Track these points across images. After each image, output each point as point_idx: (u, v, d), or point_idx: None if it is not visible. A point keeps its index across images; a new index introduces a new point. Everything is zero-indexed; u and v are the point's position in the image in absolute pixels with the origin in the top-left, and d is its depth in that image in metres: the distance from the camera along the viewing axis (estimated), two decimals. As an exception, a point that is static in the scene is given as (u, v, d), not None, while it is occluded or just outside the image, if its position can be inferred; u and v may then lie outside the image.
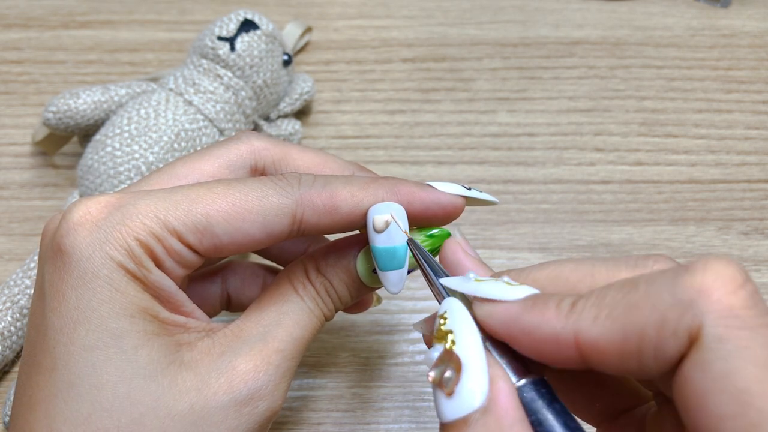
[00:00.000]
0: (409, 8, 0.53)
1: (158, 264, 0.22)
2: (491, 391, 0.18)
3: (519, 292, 0.19)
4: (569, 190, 0.43)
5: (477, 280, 0.20)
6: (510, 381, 0.18)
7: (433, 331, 0.20)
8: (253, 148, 0.27)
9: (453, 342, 0.19)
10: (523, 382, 0.19)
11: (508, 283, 0.20)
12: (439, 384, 0.18)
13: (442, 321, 0.20)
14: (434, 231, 0.26)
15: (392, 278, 0.25)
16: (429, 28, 0.52)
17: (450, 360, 0.18)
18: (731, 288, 0.16)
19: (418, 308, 0.39)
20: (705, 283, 0.16)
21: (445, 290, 0.22)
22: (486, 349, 0.19)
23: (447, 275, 0.22)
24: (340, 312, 0.27)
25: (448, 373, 0.18)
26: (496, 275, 0.22)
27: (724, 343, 0.16)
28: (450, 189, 0.26)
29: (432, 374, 0.18)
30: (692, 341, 0.16)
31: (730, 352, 0.15)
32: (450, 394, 0.18)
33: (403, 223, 0.24)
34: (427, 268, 0.23)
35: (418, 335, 0.38)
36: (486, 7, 0.53)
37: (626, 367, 0.17)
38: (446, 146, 0.45)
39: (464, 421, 0.18)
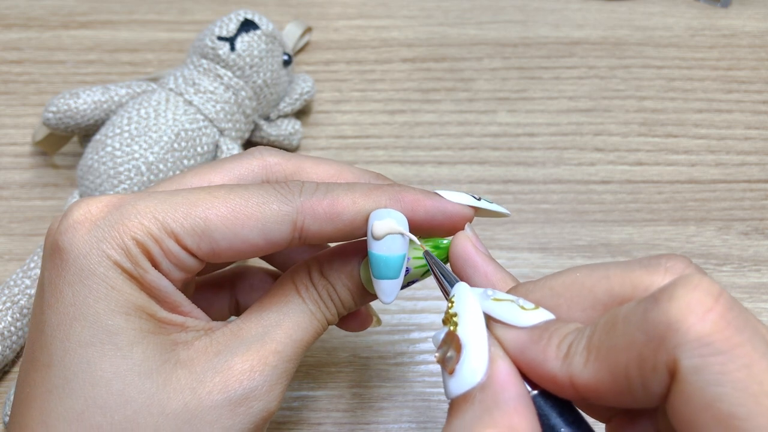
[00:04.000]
0: (409, 8, 0.53)
1: (155, 265, 0.22)
2: (490, 368, 0.19)
3: (530, 318, 0.20)
4: (569, 190, 0.43)
5: (494, 299, 0.21)
6: (509, 361, 0.19)
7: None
8: (265, 163, 0.26)
9: (456, 324, 0.20)
10: (535, 392, 0.19)
11: (522, 307, 0.20)
12: (442, 363, 0.20)
13: (449, 305, 0.21)
14: (440, 242, 0.25)
15: (385, 288, 0.24)
16: (429, 28, 0.52)
17: (452, 341, 0.20)
18: (699, 314, 0.16)
19: (419, 308, 0.39)
20: (672, 316, 0.16)
21: (454, 277, 0.23)
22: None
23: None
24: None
25: (449, 354, 0.19)
26: (515, 288, 0.22)
27: (702, 374, 0.16)
28: (458, 198, 0.25)
29: (437, 354, 0.20)
30: (672, 375, 0.16)
31: (708, 382, 0.15)
32: (451, 372, 0.19)
33: (403, 232, 0.24)
34: (443, 279, 0.23)
35: (418, 335, 0.38)
36: (486, 7, 0.53)
37: (623, 403, 0.18)
38: (446, 146, 0.45)
39: (465, 397, 0.19)
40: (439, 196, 0.25)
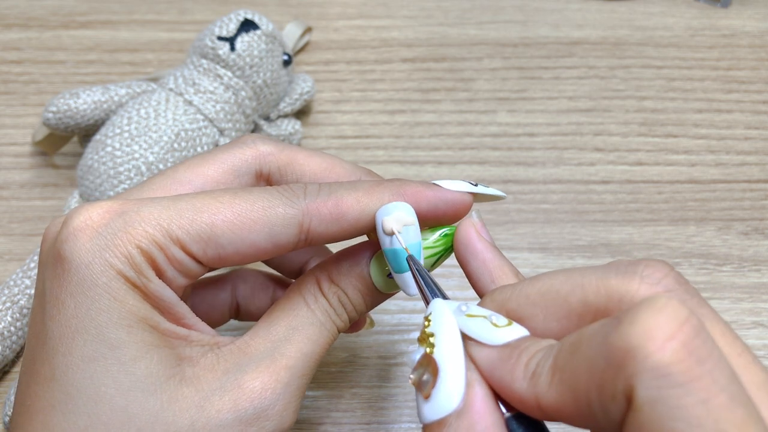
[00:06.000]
0: (409, 8, 0.53)
1: (159, 273, 0.22)
2: (467, 395, 0.18)
3: (502, 335, 0.19)
4: (569, 190, 0.43)
5: (468, 315, 0.20)
6: (486, 386, 0.19)
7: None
8: (258, 152, 0.26)
9: (433, 346, 0.19)
10: (508, 414, 0.19)
11: (495, 325, 0.19)
12: (417, 386, 0.19)
13: (426, 323, 0.20)
14: (446, 230, 0.25)
15: (408, 280, 0.24)
16: (429, 28, 0.52)
17: (428, 364, 0.19)
18: (659, 342, 0.15)
19: (419, 308, 0.39)
20: (631, 342, 0.15)
21: (436, 288, 0.22)
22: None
23: (445, 296, 0.22)
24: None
25: (425, 377, 0.19)
26: (491, 295, 0.21)
27: (657, 406, 0.15)
28: (457, 186, 0.25)
29: (412, 377, 0.19)
30: (629, 403, 0.16)
31: (663, 415, 0.15)
32: (427, 397, 0.18)
33: (414, 222, 0.24)
34: (424, 286, 0.22)
35: (418, 335, 0.38)
36: (486, 7, 0.53)
37: (587, 426, 0.17)
38: (446, 146, 0.45)
39: (440, 423, 0.18)
40: (438, 186, 0.25)
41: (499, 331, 0.19)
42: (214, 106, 0.40)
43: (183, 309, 0.23)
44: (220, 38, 0.40)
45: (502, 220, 0.42)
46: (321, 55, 0.50)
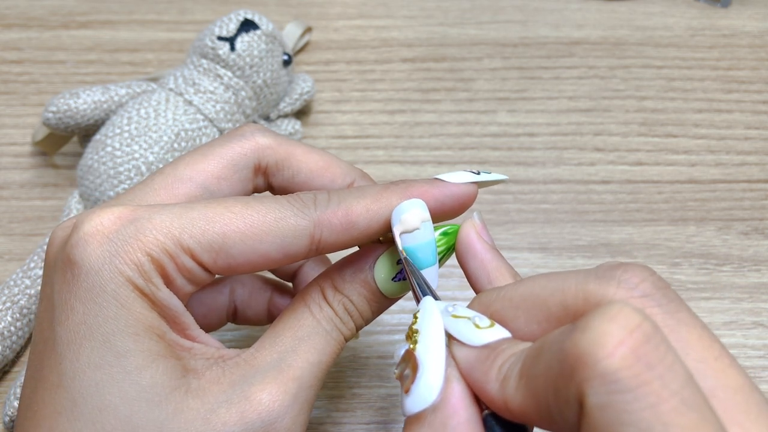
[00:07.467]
0: (409, 8, 0.53)
1: (168, 281, 0.22)
2: (445, 391, 0.19)
3: (483, 336, 0.20)
4: (569, 190, 0.43)
5: (453, 315, 0.20)
6: (463, 383, 0.19)
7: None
8: (257, 145, 0.26)
9: (416, 342, 0.20)
10: (486, 412, 0.19)
11: (477, 326, 0.20)
12: (399, 380, 0.20)
13: (414, 320, 0.21)
14: (447, 228, 0.25)
15: (429, 275, 0.24)
16: (429, 28, 0.52)
17: (409, 359, 0.20)
18: (609, 348, 0.15)
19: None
20: (582, 348, 0.15)
21: (428, 288, 0.22)
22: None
23: (436, 296, 0.22)
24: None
25: (406, 372, 0.19)
26: (478, 297, 0.22)
27: (607, 412, 0.15)
28: (460, 178, 0.25)
29: (396, 371, 0.20)
30: (582, 408, 0.16)
31: (612, 420, 0.15)
32: (406, 391, 0.19)
33: (429, 218, 0.24)
34: (417, 289, 0.23)
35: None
36: (486, 7, 0.53)
37: (552, 429, 0.17)
38: (446, 146, 0.45)
39: (418, 417, 0.19)
40: (442, 181, 0.25)
41: (480, 332, 0.20)
42: (214, 106, 0.40)
43: (188, 320, 0.23)
44: (220, 38, 0.40)
45: (502, 220, 0.42)
46: (321, 55, 0.50)
